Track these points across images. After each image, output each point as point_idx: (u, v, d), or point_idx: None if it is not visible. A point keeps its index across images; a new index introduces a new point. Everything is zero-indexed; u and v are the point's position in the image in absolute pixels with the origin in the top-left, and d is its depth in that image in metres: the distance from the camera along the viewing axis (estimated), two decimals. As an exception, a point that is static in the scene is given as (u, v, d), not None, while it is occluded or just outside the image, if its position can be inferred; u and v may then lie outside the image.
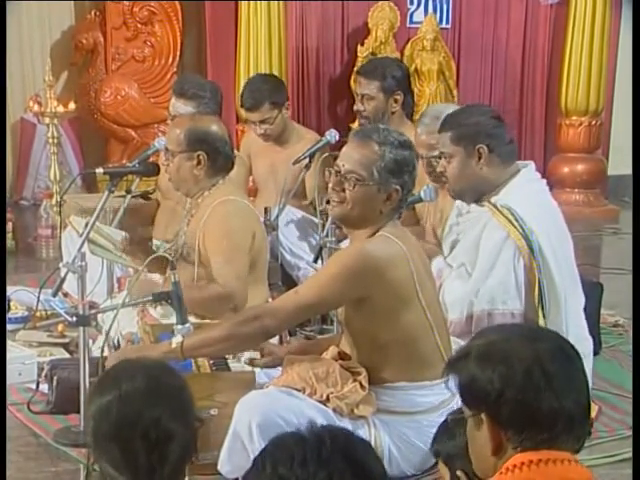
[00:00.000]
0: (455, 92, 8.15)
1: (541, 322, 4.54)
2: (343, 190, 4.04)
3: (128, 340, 4.74)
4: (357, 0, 8.26)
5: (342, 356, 4.16)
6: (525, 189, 4.71)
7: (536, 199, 4.75)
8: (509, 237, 4.53)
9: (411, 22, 8.35)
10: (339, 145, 4.50)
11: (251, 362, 4.32)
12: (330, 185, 4.12)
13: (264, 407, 3.90)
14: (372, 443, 4.00)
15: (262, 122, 6.25)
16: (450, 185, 4.73)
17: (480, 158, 4.61)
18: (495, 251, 4.58)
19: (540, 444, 2.31)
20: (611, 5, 8.26)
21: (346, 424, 3.95)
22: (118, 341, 4.79)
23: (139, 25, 8.17)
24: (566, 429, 2.35)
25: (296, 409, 3.93)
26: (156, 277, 5.07)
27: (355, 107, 6.50)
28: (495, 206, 4.60)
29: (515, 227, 4.54)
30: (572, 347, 2.50)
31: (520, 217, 4.55)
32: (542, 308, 4.57)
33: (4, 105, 7.06)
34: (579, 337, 4.75)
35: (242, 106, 6.43)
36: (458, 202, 4.91)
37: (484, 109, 5.18)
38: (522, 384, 2.33)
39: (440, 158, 4.82)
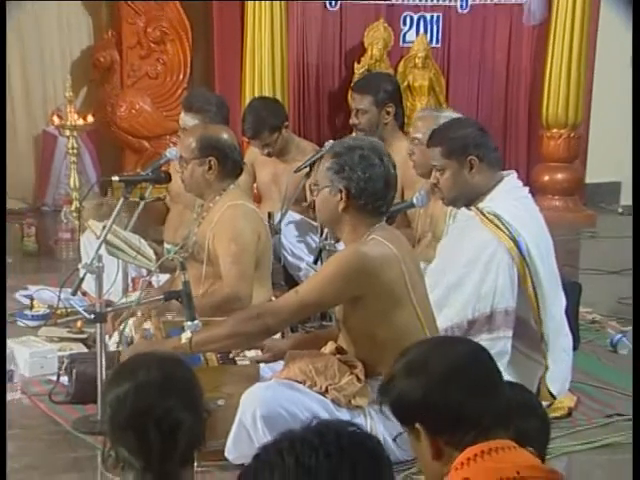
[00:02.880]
0: (445, 106, 8.13)
1: (537, 316, 4.58)
2: None
3: (141, 336, 4.73)
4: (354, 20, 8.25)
5: (340, 351, 4.16)
6: (509, 196, 4.71)
7: (520, 205, 4.75)
8: (500, 241, 4.52)
9: (404, 41, 8.34)
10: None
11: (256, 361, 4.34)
12: None
13: (268, 399, 3.90)
14: (367, 429, 3.99)
15: (264, 146, 6.27)
16: (444, 194, 4.72)
17: (472, 168, 4.61)
18: (487, 255, 4.56)
19: (477, 440, 2.33)
20: (588, 27, 8.27)
21: (344, 414, 3.97)
22: (132, 337, 4.79)
23: (152, 44, 8.18)
24: (495, 422, 2.38)
25: (297, 400, 3.93)
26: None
27: (350, 121, 6.50)
28: (482, 212, 4.59)
29: (503, 231, 4.54)
30: (483, 348, 2.56)
31: (507, 221, 4.54)
32: (537, 304, 4.57)
33: (4, 105, 7.01)
34: (560, 332, 4.74)
35: (243, 134, 6.41)
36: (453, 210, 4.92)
37: (468, 122, 5.18)
38: (443, 389, 2.38)
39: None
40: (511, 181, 4.76)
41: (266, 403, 3.87)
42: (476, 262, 4.57)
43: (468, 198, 4.66)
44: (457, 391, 2.38)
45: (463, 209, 4.73)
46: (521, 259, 4.55)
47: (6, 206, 6.20)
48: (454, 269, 4.65)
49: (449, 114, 5.48)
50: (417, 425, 2.40)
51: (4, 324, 5.28)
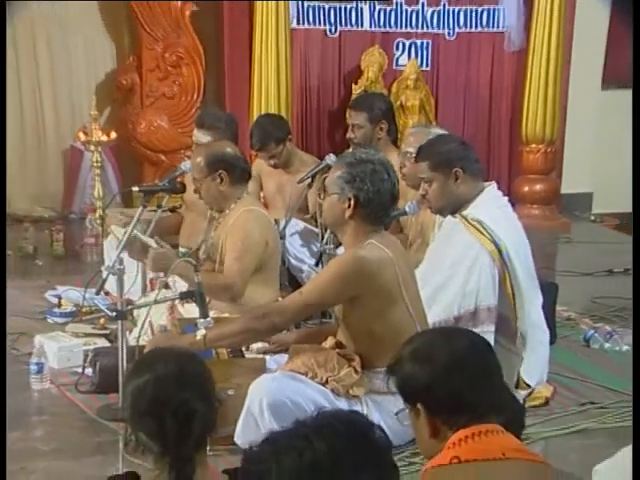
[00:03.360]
0: (434, 124, 8.12)
1: (514, 313, 4.57)
2: None
3: (159, 331, 4.74)
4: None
5: (339, 345, 4.16)
6: (490, 204, 4.71)
7: (500, 212, 4.75)
8: (482, 244, 4.52)
9: (397, 65, 8.33)
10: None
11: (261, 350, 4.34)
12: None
13: (273, 389, 3.91)
14: None
15: (270, 157, 6.27)
16: (432, 204, 4.72)
17: (457, 179, 4.61)
18: (471, 257, 4.56)
19: (470, 423, 2.34)
20: (562, 52, 8.27)
21: (342, 403, 3.97)
22: (151, 332, 4.79)
23: (169, 68, 8.18)
24: (489, 408, 2.38)
25: (300, 391, 3.94)
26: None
27: (347, 135, 6.52)
28: (466, 219, 4.59)
29: (485, 235, 4.54)
30: (484, 340, 2.60)
31: (488, 227, 4.54)
32: (514, 302, 4.56)
33: (4, 105, 6.90)
34: (538, 328, 4.74)
35: (252, 148, 6.42)
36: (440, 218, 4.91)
37: (452, 137, 5.19)
38: (445, 377, 2.39)
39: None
40: (492, 191, 4.76)
41: (272, 393, 3.87)
42: (461, 264, 4.57)
43: (454, 206, 4.66)
44: (457, 379, 2.38)
45: (449, 217, 4.73)
46: (501, 261, 4.55)
47: (6, 206, 6.09)
48: (441, 270, 4.65)
49: (437, 131, 5.49)
50: (418, 405, 2.40)
51: (4, 323, 5.23)
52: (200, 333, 4.07)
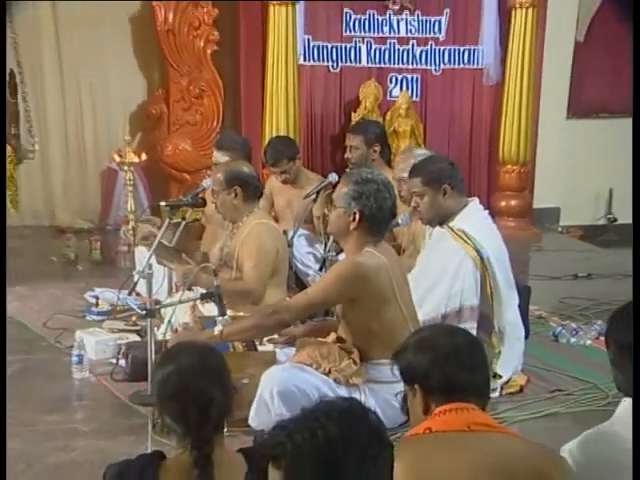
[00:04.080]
0: (422, 146, 8.11)
1: (492, 312, 4.58)
2: None
3: (182, 328, 4.73)
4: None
5: (340, 340, 4.16)
6: (473, 216, 4.72)
7: (482, 224, 4.75)
8: (466, 252, 4.52)
9: (390, 96, 8.32)
10: (337, 184, 4.50)
11: (272, 340, 4.36)
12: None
13: (283, 378, 3.91)
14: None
15: (281, 173, 6.27)
16: (422, 215, 4.72)
17: (445, 194, 4.61)
18: (456, 265, 4.54)
19: (454, 401, 2.42)
20: (533, 86, 8.28)
21: (343, 391, 3.96)
22: (176, 328, 4.78)
23: (193, 99, 8.18)
24: (474, 393, 2.46)
25: (306, 380, 3.95)
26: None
27: (345, 155, 6.54)
28: (452, 229, 4.58)
29: (468, 244, 4.54)
30: (477, 339, 2.69)
31: (472, 236, 4.54)
32: (493, 302, 4.56)
33: (4, 105, 6.75)
34: (515, 325, 4.73)
35: (266, 163, 6.44)
36: (429, 229, 4.90)
37: (441, 158, 5.22)
38: (442, 365, 2.45)
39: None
40: (474, 205, 4.76)
41: (281, 382, 3.87)
42: (447, 269, 4.57)
43: (441, 218, 4.66)
44: (451, 368, 2.45)
45: (437, 227, 4.72)
46: (483, 266, 4.55)
47: (6, 206, 6.07)
48: (430, 274, 4.64)
49: (423, 152, 5.53)
50: (416, 386, 2.47)
51: (4, 322, 5.16)
52: (218, 329, 4.08)
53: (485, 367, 2.56)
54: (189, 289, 5.08)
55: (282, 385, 3.84)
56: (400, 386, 3.97)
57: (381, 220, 4.04)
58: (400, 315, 4.03)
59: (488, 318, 4.58)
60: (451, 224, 4.61)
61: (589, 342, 5.50)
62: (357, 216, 3.98)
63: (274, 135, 7.29)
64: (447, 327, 3.07)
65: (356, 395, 3.99)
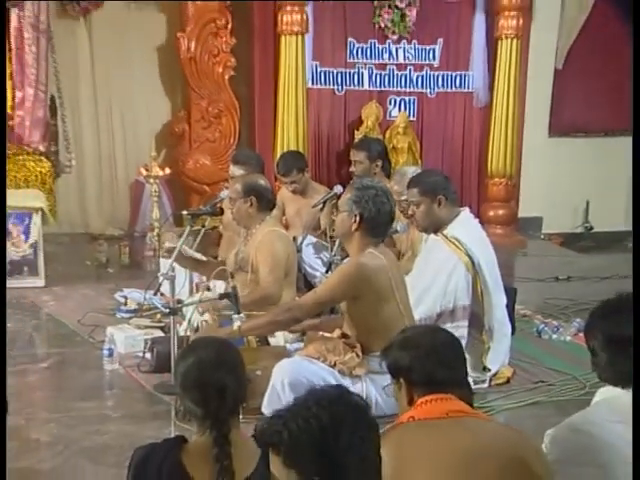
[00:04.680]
0: (419, 162, 8.11)
1: (482, 311, 4.57)
2: None
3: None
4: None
5: (344, 335, 4.16)
6: (465, 225, 4.71)
7: (473, 232, 4.74)
8: (458, 257, 4.51)
9: (390, 116, 8.30)
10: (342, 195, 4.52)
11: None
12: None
13: (292, 370, 3.91)
14: (364, 394, 4.01)
15: (292, 183, 6.28)
16: (418, 223, 4.72)
17: (440, 204, 4.60)
18: (449, 270, 4.53)
19: (434, 391, 2.43)
20: (518, 107, 8.26)
21: (347, 382, 3.96)
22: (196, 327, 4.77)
23: (212, 119, 8.16)
24: (453, 386, 2.47)
25: (314, 371, 3.96)
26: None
27: (350, 169, 6.54)
28: (446, 237, 4.57)
29: (460, 250, 4.53)
30: (456, 338, 2.66)
31: (464, 243, 4.53)
32: (483, 302, 4.55)
33: (4, 105, 6.68)
34: (502, 323, 4.72)
35: (278, 173, 6.44)
36: (424, 236, 4.90)
37: (437, 171, 5.24)
38: (423, 362, 2.46)
39: (407, 202, 4.83)
40: (466, 214, 4.76)
41: (291, 373, 3.88)
42: (442, 272, 4.56)
43: (435, 226, 4.65)
44: (432, 364, 2.46)
45: (432, 235, 4.71)
46: (474, 270, 4.54)
47: (6, 206, 6.06)
48: (426, 277, 4.64)
49: (413, 169, 5.56)
50: (401, 380, 2.48)
51: (4, 322, 5.08)
52: (235, 325, 4.07)
53: (462, 363, 2.57)
54: (208, 289, 5.09)
55: (292, 376, 3.84)
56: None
57: (380, 222, 4.07)
58: (397, 311, 4.04)
59: (479, 317, 4.58)
60: (445, 232, 4.61)
61: (569, 338, 5.50)
62: (357, 218, 4.02)
63: (285, 150, 7.28)
64: (429, 327, 3.11)
65: (359, 385, 4.01)
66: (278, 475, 1.93)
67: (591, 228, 9.11)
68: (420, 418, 2.37)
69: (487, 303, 4.58)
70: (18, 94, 6.62)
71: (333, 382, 3.85)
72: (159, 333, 5.12)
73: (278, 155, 7.04)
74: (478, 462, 2.27)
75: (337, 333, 4.16)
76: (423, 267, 4.71)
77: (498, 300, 4.69)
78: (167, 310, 4.45)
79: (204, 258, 5.12)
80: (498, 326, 4.63)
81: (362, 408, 2.00)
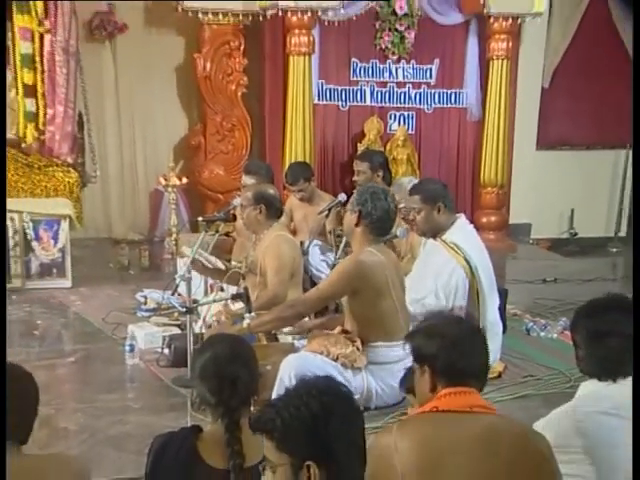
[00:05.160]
0: (417, 172, 8.11)
1: (478, 311, 4.56)
2: None
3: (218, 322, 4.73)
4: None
5: (344, 331, 4.15)
6: (462, 230, 4.70)
7: (470, 237, 4.73)
8: (457, 261, 4.51)
9: (390, 130, 8.29)
10: (346, 202, 4.53)
11: (288, 333, 4.36)
12: None
13: (299, 364, 3.92)
14: (365, 385, 4.02)
15: (299, 191, 6.27)
16: (418, 228, 4.71)
17: (439, 211, 4.59)
18: (448, 273, 4.54)
19: (457, 382, 2.35)
20: (509, 121, 8.25)
21: (349, 374, 3.96)
22: (209, 324, 4.77)
23: (225, 132, 8.15)
24: (474, 376, 2.39)
25: (318, 365, 3.95)
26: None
27: (353, 178, 6.54)
28: (445, 242, 4.56)
29: (459, 254, 4.52)
30: (480, 329, 2.55)
31: (462, 248, 4.53)
32: (478, 303, 4.55)
33: (4, 105, 6.59)
34: (495, 322, 4.71)
35: (286, 182, 6.43)
36: (422, 241, 4.89)
37: (436, 180, 5.25)
38: (449, 350, 2.37)
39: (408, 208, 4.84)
40: (462, 220, 4.75)
41: (298, 367, 3.87)
42: (441, 275, 4.54)
43: (434, 231, 4.64)
44: (458, 354, 2.37)
45: (431, 240, 4.70)
46: (471, 274, 4.52)
47: (6, 207, 6.06)
48: (426, 279, 4.61)
49: (410, 179, 5.62)
50: (425, 367, 2.40)
51: (4, 321, 5.02)
52: (246, 322, 4.08)
53: (485, 354, 2.46)
54: (221, 290, 5.09)
55: (299, 369, 3.83)
56: (393, 366, 4.00)
57: (378, 218, 4.09)
58: (393, 307, 4.06)
59: (474, 317, 4.57)
60: (444, 237, 4.60)
61: (555, 335, 5.49)
62: (357, 214, 4.08)
63: (293, 161, 7.28)
64: (455, 317, 2.96)
65: (360, 376, 4.01)
66: (272, 459, 1.94)
67: (576, 234, 9.10)
68: (444, 410, 2.31)
69: (482, 304, 4.57)
70: (49, 111, 6.65)
71: (336, 374, 3.84)
72: (176, 330, 5.12)
73: (287, 166, 7.04)
74: (496, 458, 2.23)
75: (338, 330, 4.16)
76: (422, 270, 4.70)
77: (491, 301, 4.68)
78: (184, 309, 4.44)
79: (218, 261, 5.11)
80: (490, 326, 4.61)
81: (349, 397, 2.02)
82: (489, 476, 2.21)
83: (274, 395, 3.90)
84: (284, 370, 3.87)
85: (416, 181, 5.44)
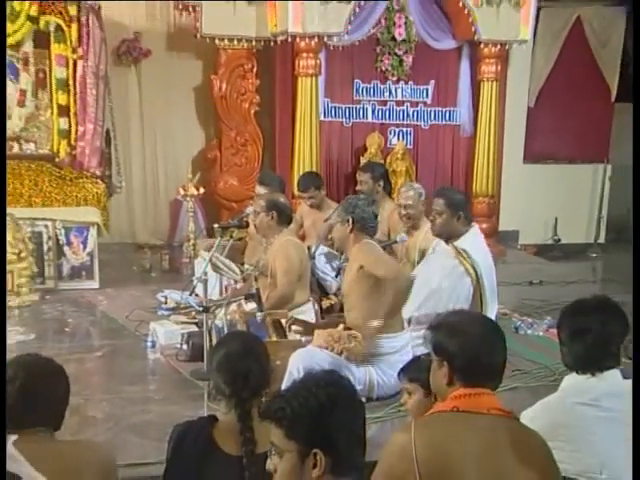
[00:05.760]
0: (415, 182, 8.09)
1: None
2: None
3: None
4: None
5: (347, 329, 4.14)
6: (474, 239, 4.69)
7: (479, 246, 4.72)
8: (465, 266, 4.51)
9: (390, 144, 8.26)
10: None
11: (296, 331, 4.31)
12: None
13: (306, 357, 3.92)
14: (367, 377, 4.00)
15: (309, 198, 6.28)
16: (436, 229, 4.69)
17: (458, 219, 4.58)
18: (456, 277, 4.53)
19: (475, 382, 2.25)
20: (498, 137, 8.22)
21: (352, 366, 3.95)
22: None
23: (239, 147, 8.16)
24: (492, 375, 2.29)
25: (323, 358, 3.97)
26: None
27: (357, 188, 6.54)
28: (456, 248, 4.56)
29: (467, 260, 4.52)
30: (500, 328, 2.40)
31: (470, 254, 4.52)
32: (481, 308, 4.55)
33: (4, 105, 6.59)
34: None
35: (298, 189, 6.44)
36: (434, 243, 4.85)
37: (461, 191, 5.26)
38: (470, 348, 2.26)
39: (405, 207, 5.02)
40: (475, 230, 4.74)
41: (305, 360, 3.87)
42: (448, 279, 4.52)
43: (449, 235, 4.64)
44: (476, 351, 2.25)
45: (443, 244, 4.68)
46: (476, 279, 4.52)
47: (6, 208, 6.02)
48: (432, 282, 4.59)
49: (418, 185, 5.58)
50: (444, 362, 2.28)
51: (4, 321, 4.96)
52: (259, 318, 4.08)
53: (504, 353, 2.31)
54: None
55: (306, 362, 3.82)
56: (391, 357, 3.99)
57: (369, 219, 4.14)
58: (396, 298, 4.04)
59: None
60: (455, 243, 4.59)
61: (541, 333, 5.47)
62: (350, 221, 4.10)
63: (301, 173, 7.29)
64: (475, 315, 2.76)
65: (362, 369, 3.99)
66: (280, 446, 1.94)
67: (559, 240, 9.10)
68: (464, 410, 2.19)
69: (484, 309, 4.57)
70: (80, 129, 6.73)
71: (340, 367, 3.85)
72: (194, 328, 5.11)
73: (295, 177, 7.04)
74: (510, 457, 2.15)
75: (340, 327, 4.15)
76: (429, 272, 4.67)
77: (492, 307, 4.68)
78: (201, 308, 4.44)
79: (233, 264, 5.10)
80: None
81: (352, 390, 2.02)
82: (505, 477, 2.13)
83: (283, 387, 3.90)
84: (293, 363, 3.86)
85: (419, 186, 5.47)
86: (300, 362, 3.84)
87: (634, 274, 3.35)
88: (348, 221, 4.10)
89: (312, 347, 4.01)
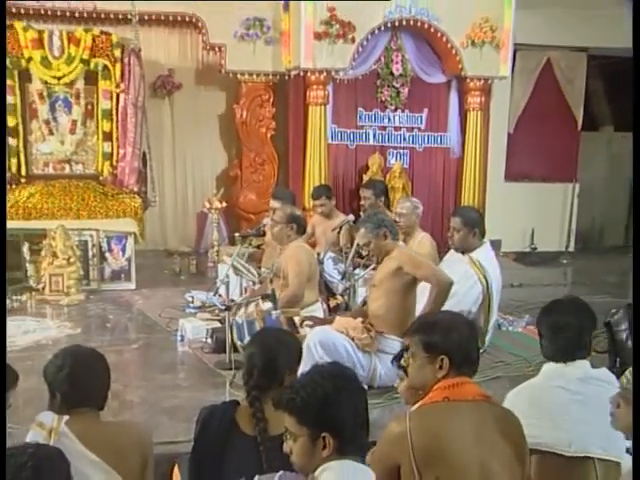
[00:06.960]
0: (411, 197, 8.07)
1: (487, 319, 4.59)
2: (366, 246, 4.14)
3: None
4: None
5: (363, 321, 4.09)
6: (486, 253, 4.69)
7: (491, 260, 4.72)
8: (478, 276, 4.50)
9: (389, 164, 8.26)
10: (355, 221, 4.52)
11: (307, 326, 4.30)
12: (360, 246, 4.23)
13: (322, 334, 3.89)
14: (372, 366, 3.97)
15: (321, 205, 6.27)
16: (454, 242, 4.65)
17: (474, 235, 4.56)
18: (470, 284, 4.52)
19: (462, 373, 2.25)
20: (483, 157, 8.21)
21: (359, 353, 3.93)
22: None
23: (257, 166, 8.18)
24: (474, 365, 2.30)
25: (338, 337, 3.91)
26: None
27: (360, 203, 6.53)
28: (471, 259, 4.55)
29: (480, 270, 4.51)
30: (475, 324, 2.48)
31: (483, 265, 4.51)
32: (489, 313, 4.57)
33: (4, 106, 6.57)
34: (494, 325, 4.71)
35: (312, 197, 6.46)
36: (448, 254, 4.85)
37: (476, 210, 5.17)
38: (465, 343, 2.27)
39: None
40: (488, 245, 4.73)
41: (322, 336, 3.85)
42: (461, 285, 4.48)
43: (465, 249, 4.62)
44: (468, 345, 2.27)
45: (456, 254, 4.66)
46: (486, 287, 4.51)
47: (6, 209, 6.03)
48: None
49: (415, 199, 5.61)
50: (442, 357, 2.24)
51: (4, 321, 4.90)
52: (274, 316, 4.09)
53: (477, 346, 2.36)
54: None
55: (322, 338, 3.83)
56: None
57: (393, 225, 4.15)
58: (414, 303, 4.04)
59: (478, 323, 4.53)
60: (471, 255, 4.58)
61: (520, 330, 5.44)
62: (384, 231, 4.05)
63: (311, 190, 7.28)
64: (451, 312, 2.71)
65: (368, 358, 3.97)
66: (293, 431, 1.94)
67: (535, 248, 9.10)
68: (455, 399, 2.17)
69: (490, 313, 4.57)
70: (121, 151, 6.90)
71: (350, 350, 3.86)
72: (217, 324, 5.10)
73: (306, 192, 7.06)
74: (494, 436, 2.14)
75: (359, 319, 4.12)
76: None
77: (495, 312, 4.71)
78: (223, 307, 4.44)
79: (252, 267, 5.10)
80: (491, 329, 4.64)
81: (356, 380, 2.00)
82: (499, 456, 2.11)
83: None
84: (310, 338, 3.82)
85: (417, 200, 5.49)
86: (317, 337, 3.83)
87: (634, 274, 3.34)
88: (385, 234, 4.05)
89: (329, 327, 4.00)
